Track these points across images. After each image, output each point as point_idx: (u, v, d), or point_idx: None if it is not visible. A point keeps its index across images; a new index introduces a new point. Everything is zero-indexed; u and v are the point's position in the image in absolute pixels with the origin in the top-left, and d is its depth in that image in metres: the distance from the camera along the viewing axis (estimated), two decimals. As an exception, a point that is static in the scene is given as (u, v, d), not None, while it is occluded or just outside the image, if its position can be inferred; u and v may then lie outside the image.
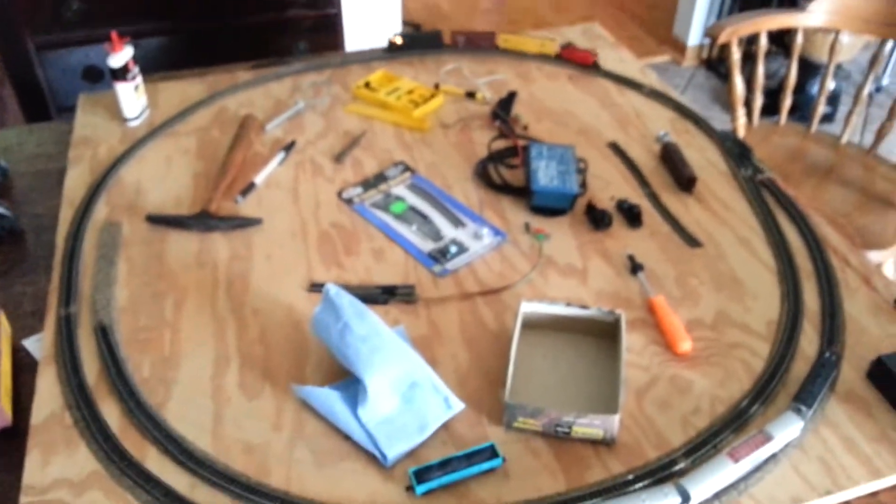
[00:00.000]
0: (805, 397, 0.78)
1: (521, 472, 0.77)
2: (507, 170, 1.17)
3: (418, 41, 1.32)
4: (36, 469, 0.77)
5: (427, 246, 1.04)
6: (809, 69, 2.51)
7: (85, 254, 1.02)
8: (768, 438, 0.75)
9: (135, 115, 1.29)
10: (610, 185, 1.15)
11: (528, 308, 0.90)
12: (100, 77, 1.96)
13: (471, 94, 1.34)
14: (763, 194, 1.10)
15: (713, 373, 0.86)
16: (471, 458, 0.76)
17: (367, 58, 1.45)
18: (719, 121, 1.80)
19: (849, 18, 1.71)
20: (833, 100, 2.61)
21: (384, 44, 1.47)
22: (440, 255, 1.02)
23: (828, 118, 2.60)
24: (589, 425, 0.77)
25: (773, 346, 0.88)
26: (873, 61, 1.75)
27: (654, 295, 0.94)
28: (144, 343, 0.90)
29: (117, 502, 0.73)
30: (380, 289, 0.97)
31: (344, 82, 1.39)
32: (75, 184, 1.15)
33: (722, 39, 1.67)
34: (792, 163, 1.74)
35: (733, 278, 0.98)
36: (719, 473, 0.72)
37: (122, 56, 1.24)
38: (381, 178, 1.16)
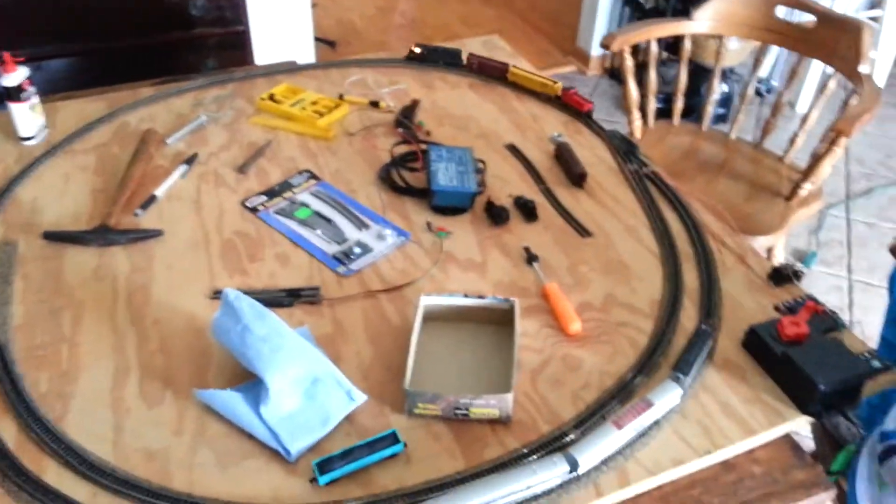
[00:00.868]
0: (683, 366, 0.84)
1: (423, 455, 0.80)
2: (409, 173, 1.21)
3: (438, 54, 1.40)
4: (-74, 491, 0.75)
5: (331, 249, 1.06)
6: (704, 74, 2.66)
7: (-23, 274, 1.00)
8: (649, 405, 0.80)
9: (31, 134, 1.26)
10: (508, 184, 1.20)
11: (428, 301, 0.93)
12: (-2, 100, 1.90)
13: (375, 104, 1.38)
14: (647, 186, 1.18)
15: (602, 350, 0.91)
16: (373, 445, 0.78)
17: (271, 71, 1.47)
18: (622, 125, 1.90)
19: (732, 25, 1.84)
20: (726, 101, 2.77)
21: (295, 59, 1.50)
22: (344, 257, 1.04)
23: (723, 119, 2.76)
24: (485, 406, 0.81)
25: (656, 323, 0.95)
26: (756, 64, 1.88)
27: (548, 282, 1.00)
28: (41, 359, 0.89)
29: (13, 517, 0.72)
30: (284, 292, 0.99)
31: (248, 96, 1.40)
32: (-33, 205, 1.12)
33: (615, 48, 1.77)
34: (686, 160, 1.85)
35: (621, 263, 1.04)
36: (604, 440, 0.77)
37: (15, 76, 1.22)
38: (285, 185, 1.18)
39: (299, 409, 0.82)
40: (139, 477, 0.76)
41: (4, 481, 0.75)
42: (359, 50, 3.17)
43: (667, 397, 0.81)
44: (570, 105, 1.24)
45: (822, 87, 1.67)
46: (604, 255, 1.06)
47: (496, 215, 1.11)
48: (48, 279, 1.00)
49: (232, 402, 0.81)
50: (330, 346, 0.92)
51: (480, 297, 0.93)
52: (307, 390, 0.83)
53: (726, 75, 2.80)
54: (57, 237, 1.05)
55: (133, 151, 1.21)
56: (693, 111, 2.35)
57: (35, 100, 1.26)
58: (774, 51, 3.01)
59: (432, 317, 0.94)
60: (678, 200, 1.14)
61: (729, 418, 0.83)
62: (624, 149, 1.25)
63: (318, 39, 2.94)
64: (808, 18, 1.71)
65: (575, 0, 3.17)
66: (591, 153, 1.27)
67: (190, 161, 1.20)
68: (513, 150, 1.28)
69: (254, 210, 1.12)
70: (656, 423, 0.82)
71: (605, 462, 0.78)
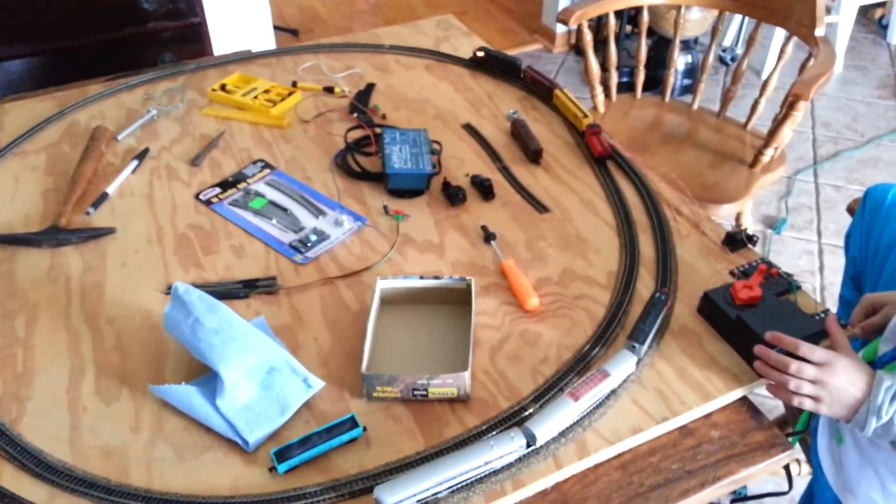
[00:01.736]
0: (637, 335, 0.85)
1: (383, 438, 0.80)
2: (364, 157, 1.20)
3: (497, 62, 1.35)
4: None
5: (288, 237, 1.05)
6: (668, 46, 2.66)
7: (-74, 282, 0.99)
8: (605, 375, 0.80)
9: (-22, 137, 1.24)
10: (465, 164, 1.20)
11: (385, 284, 0.93)
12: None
13: (329, 89, 1.37)
14: (604, 159, 1.18)
15: (560, 324, 0.92)
16: (331, 431, 0.78)
17: (223, 61, 1.45)
18: (589, 101, 1.91)
19: (688, -7, 1.83)
20: (692, 72, 2.78)
21: (252, 49, 1.49)
22: (301, 245, 1.04)
23: (689, 90, 2.77)
24: (443, 385, 0.81)
25: (613, 294, 0.95)
26: (714, 32, 1.88)
27: (505, 260, 0.99)
28: (-6, 364, 0.88)
29: (-33, 523, 0.72)
30: (240, 283, 0.98)
31: (200, 87, 1.38)
32: (-86, 213, 1.10)
33: (572, 23, 1.76)
34: (651, 132, 1.85)
35: (578, 237, 1.05)
36: (561, 412, 0.77)
37: (-43, 78, 1.20)
38: (239, 176, 1.16)
39: (256, 399, 0.81)
40: (97, 475, 0.76)
41: (-42, 488, 0.75)
42: (322, 37, 3.13)
43: (622, 366, 0.82)
44: (586, 143, 1.18)
45: (781, 53, 1.68)
46: (561, 230, 1.06)
47: (453, 195, 1.10)
48: (0, 283, 0.98)
49: (187, 395, 0.81)
50: (288, 334, 0.91)
51: (437, 277, 0.93)
52: (263, 380, 0.82)
53: (690, 46, 2.80)
54: (8, 240, 1.04)
55: (83, 149, 1.19)
56: (660, 83, 2.35)
57: (-19, 102, 1.24)
58: (738, 19, 3.01)
59: (390, 300, 0.94)
60: (634, 172, 1.14)
61: (686, 384, 0.84)
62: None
63: (279, 28, 2.91)
64: (763, -16, 1.71)
65: (538, -23, 3.15)
66: (547, 129, 1.26)
67: (141, 156, 1.19)
68: (469, 129, 1.27)
69: (208, 203, 1.11)
70: (613, 392, 0.82)
71: (563, 434, 0.78)
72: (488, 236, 1.04)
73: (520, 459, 0.76)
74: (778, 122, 1.61)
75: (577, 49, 3.12)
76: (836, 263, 2.14)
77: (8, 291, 0.97)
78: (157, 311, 0.94)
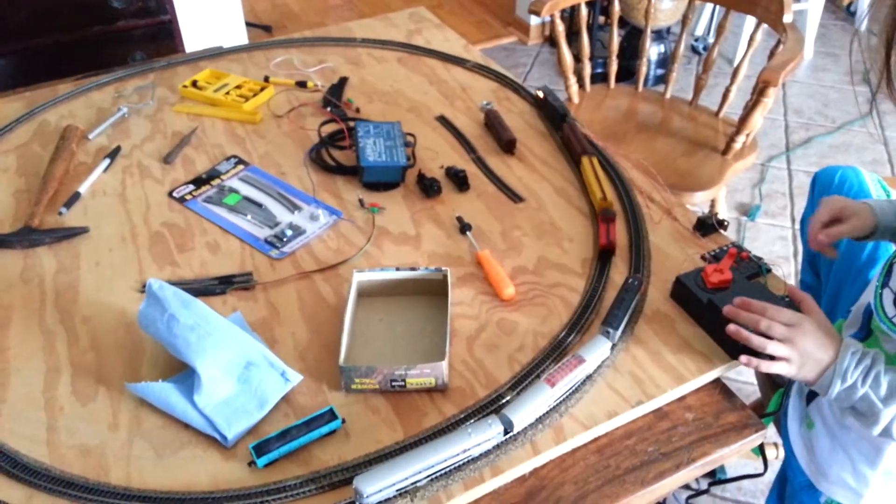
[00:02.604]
0: (611, 320, 0.86)
1: (362, 429, 0.80)
2: (339, 151, 1.20)
3: (547, 107, 1.24)
4: None
5: (263, 233, 1.05)
6: (641, 36, 2.68)
7: None
8: (580, 361, 0.81)
9: (-55, 139, 1.22)
10: (439, 156, 1.20)
11: (361, 277, 0.93)
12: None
13: (302, 84, 1.36)
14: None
15: (536, 312, 0.93)
16: (310, 424, 0.78)
17: (194, 57, 1.44)
18: (564, 91, 1.92)
19: (659, -17, 1.85)
20: (665, 62, 2.80)
21: (225, 45, 1.48)
22: (276, 240, 1.04)
23: (662, 79, 2.79)
24: (420, 375, 0.82)
25: (587, 281, 0.96)
26: (684, 21, 1.90)
27: (481, 250, 1.00)
28: (-32, 367, 0.87)
29: (-57, 527, 0.71)
30: (216, 280, 0.98)
31: (171, 84, 1.37)
32: None
33: (544, 13, 1.77)
34: (625, 122, 1.86)
35: (552, 226, 1.05)
36: (538, 398, 0.78)
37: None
38: (213, 172, 1.16)
39: (234, 394, 0.81)
40: (75, 474, 0.76)
41: (-67, 493, 0.74)
42: (295, 33, 3.11)
43: (597, 352, 0.83)
44: (600, 241, 1.00)
45: (750, 40, 1.70)
46: (536, 219, 1.07)
47: (428, 187, 1.11)
48: (-29, 285, 0.97)
49: (165, 393, 0.80)
50: (265, 329, 0.91)
51: (413, 268, 0.93)
52: (240, 375, 0.82)
53: (663, 36, 2.83)
54: (-22, 242, 1.03)
55: (54, 149, 1.18)
56: (634, 74, 2.36)
57: (-53, 103, 1.22)
58: (710, 8, 3.04)
59: (367, 292, 0.94)
60: (606, 160, 1.16)
61: (660, 368, 0.85)
62: (562, 111, 1.24)
63: (251, 25, 2.89)
64: (731, -28, 1.73)
65: (511, -31, 3.15)
66: (521, 119, 1.27)
67: (113, 155, 1.18)
68: (443, 121, 1.28)
69: (181, 200, 1.10)
70: (589, 377, 0.83)
71: (540, 420, 0.79)
72: (464, 227, 1.05)
73: (498, 446, 0.77)
74: (748, 109, 1.63)
75: (552, 41, 3.13)
76: (810, 248, 2.18)
77: (-20, 294, 0.96)
78: (132, 310, 0.93)
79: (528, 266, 0.99)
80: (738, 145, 1.69)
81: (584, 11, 1.85)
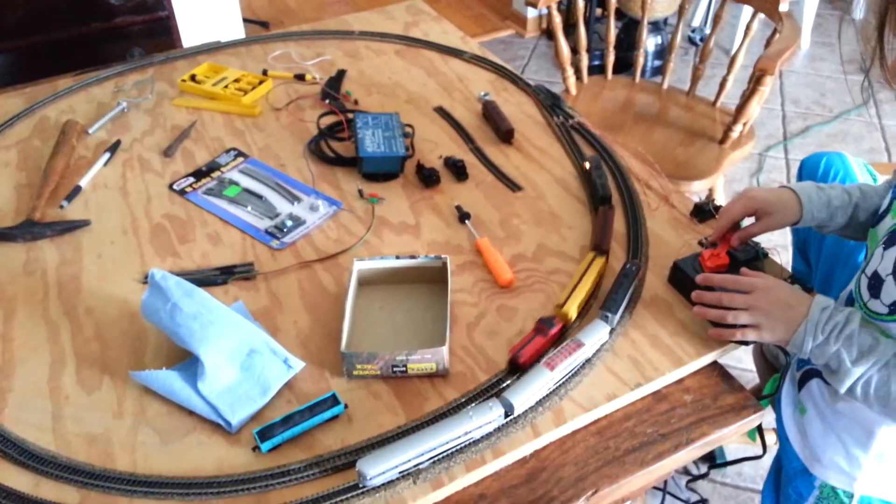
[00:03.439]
0: (609, 305, 0.87)
1: (364, 414, 0.81)
2: (338, 143, 1.21)
3: (591, 182, 1.06)
4: None
5: (264, 224, 1.06)
6: (638, 27, 2.69)
7: None
8: (580, 345, 0.82)
9: (-54, 135, 1.23)
10: (438, 146, 1.21)
11: (361, 266, 0.94)
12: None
13: (300, 77, 1.37)
14: (574, 137, 1.19)
15: (535, 298, 0.93)
16: (313, 409, 0.79)
17: (192, 52, 1.45)
18: (561, 83, 1.93)
19: (655, -26, 1.86)
20: (662, 53, 2.80)
21: (222, 39, 1.49)
22: (277, 231, 1.04)
23: (660, 71, 2.79)
24: (421, 360, 0.83)
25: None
26: (680, 12, 1.90)
27: (480, 238, 1.01)
28: (-27, 358, 0.88)
29: (-48, 514, 0.72)
30: (217, 270, 0.98)
31: (170, 78, 1.38)
32: None
33: (541, 5, 1.78)
34: (623, 113, 1.87)
35: (551, 214, 1.06)
36: (537, 382, 0.79)
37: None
38: (213, 165, 1.17)
39: (237, 381, 0.82)
40: (81, 461, 0.77)
41: (-58, 480, 0.75)
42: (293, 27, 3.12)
43: (596, 336, 0.84)
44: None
45: (747, 30, 1.71)
46: (534, 207, 1.08)
47: (427, 177, 1.12)
48: (-25, 279, 0.98)
49: (168, 380, 0.81)
50: (267, 318, 0.92)
51: (413, 257, 0.94)
52: (243, 362, 0.83)
53: (660, 27, 2.83)
54: (-19, 236, 1.03)
55: (54, 144, 1.18)
56: (632, 65, 2.37)
57: (-52, 100, 1.23)
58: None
59: (367, 281, 0.95)
60: (603, 148, 1.16)
61: (658, 351, 0.86)
62: (549, 102, 1.26)
63: (248, 21, 2.89)
64: (726, -38, 1.74)
65: (508, -37, 3.16)
66: (518, 109, 1.28)
67: (113, 149, 1.19)
68: (441, 112, 1.28)
69: (182, 192, 1.11)
70: (588, 361, 0.84)
71: (540, 403, 0.80)
72: (463, 216, 1.06)
73: (499, 429, 0.78)
74: (745, 98, 1.63)
75: (549, 33, 3.13)
76: (808, 236, 2.18)
77: (-16, 287, 0.97)
78: (135, 300, 0.94)
79: (526, 253, 1.00)
80: (735, 134, 1.70)
81: (580, 3, 1.85)
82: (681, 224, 1.03)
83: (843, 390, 0.82)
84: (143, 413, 0.81)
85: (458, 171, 1.13)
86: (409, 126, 1.21)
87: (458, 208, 1.07)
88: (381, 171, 1.13)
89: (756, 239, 0.96)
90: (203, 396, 0.80)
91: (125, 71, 1.40)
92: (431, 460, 0.75)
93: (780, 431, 1.04)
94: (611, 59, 1.95)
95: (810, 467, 0.97)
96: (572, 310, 0.88)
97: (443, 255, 0.94)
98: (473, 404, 0.80)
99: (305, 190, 1.12)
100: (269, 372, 0.83)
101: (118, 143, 1.20)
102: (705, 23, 3.09)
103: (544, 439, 0.79)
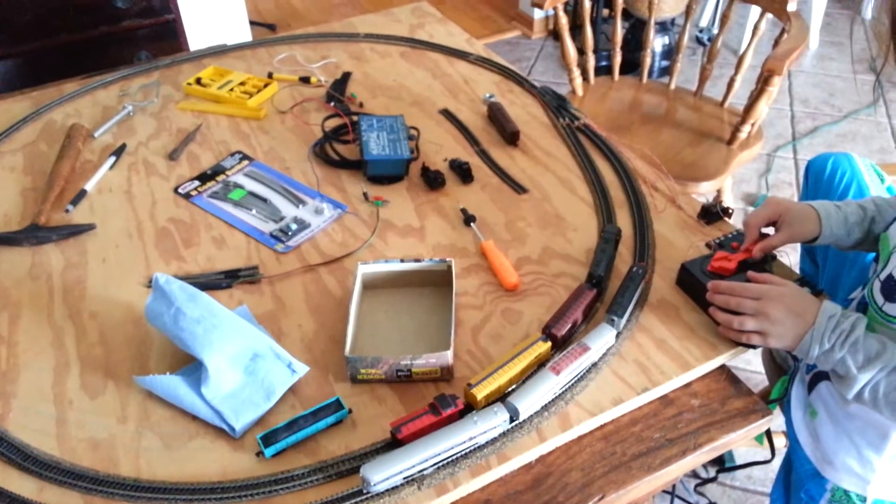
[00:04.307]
0: (616, 309, 0.86)
1: (368, 418, 0.80)
2: (342, 145, 1.21)
3: (609, 240, 0.94)
4: None
5: (268, 227, 1.06)
6: (645, 27, 2.67)
7: None
8: (585, 349, 0.82)
9: (-47, 139, 1.23)
10: (443, 148, 1.20)
11: (366, 269, 0.94)
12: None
13: (305, 79, 1.37)
14: (580, 138, 1.19)
15: (541, 301, 0.93)
16: (317, 414, 0.79)
17: (197, 55, 1.45)
18: (567, 84, 1.92)
19: (662, -26, 1.85)
20: (670, 53, 2.79)
21: (229, 43, 1.49)
22: (282, 234, 1.04)
23: (668, 71, 2.78)
24: (426, 364, 0.82)
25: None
26: (688, 12, 1.89)
27: (485, 240, 1.00)
28: (-22, 362, 0.88)
29: (-44, 519, 0.72)
30: (222, 274, 0.98)
31: (175, 82, 1.38)
32: None
33: (547, 6, 1.77)
34: (630, 113, 1.86)
35: (556, 216, 1.06)
36: (543, 386, 0.78)
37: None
38: (218, 168, 1.16)
39: (241, 385, 0.82)
40: (85, 467, 0.76)
41: (-54, 486, 0.75)
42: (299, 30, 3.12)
43: (602, 340, 0.83)
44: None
45: (755, 29, 1.69)
46: (540, 210, 1.07)
47: (432, 180, 1.11)
48: (-20, 283, 0.98)
49: (172, 385, 0.81)
50: (272, 322, 0.92)
51: (417, 260, 0.94)
52: (247, 367, 0.83)
53: (667, 27, 2.82)
54: (-13, 240, 1.04)
55: (60, 148, 1.19)
56: (639, 66, 2.36)
57: (-45, 104, 1.23)
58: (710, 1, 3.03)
59: (372, 284, 0.95)
60: (610, 150, 1.15)
61: (665, 355, 0.85)
62: (555, 104, 1.25)
63: (255, 23, 2.89)
64: (734, -38, 1.72)
65: (514, -36, 3.15)
66: (524, 111, 1.27)
67: (118, 153, 1.19)
68: (446, 114, 1.28)
69: (187, 196, 1.11)
70: (594, 365, 0.84)
71: (545, 408, 0.79)
72: (468, 219, 1.05)
73: (504, 434, 0.77)
74: (753, 98, 1.62)
75: (556, 34, 3.12)
76: (817, 237, 2.16)
77: (-11, 291, 0.97)
78: (140, 305, 0.94)
79: (532, 256, 0.99)
80: (743, 135, 1.69)
81: (587, 4, 1.84)
82: (688, 226, 1.02)
83: (850, 396, 0.82)
84: (146, 418, 0.81)
85: (463, 173, 1.13)
86: (414, 128, 1.21)
87: (464, 211, 1.06)
88: (385, 174, 1.12)
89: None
90: (207, 401, 0.80)
91: (131, 75, 1.40)
92: (436, 466, 0.74)
93: (791, 434, 1.03)
94: (618, 59, 1.94)
95: (822, 470, 0.95)
96: (481, 395, 0.78)
97: (447, 259, 0.93)
98: (478, 409, 0.79)
99: (310, 193, 1.11)
100: (273, 376, 0.83)
101: (123, 146, 1.20)
102: (713, 23, 3.07)
103: (550, 444, 0.78)
